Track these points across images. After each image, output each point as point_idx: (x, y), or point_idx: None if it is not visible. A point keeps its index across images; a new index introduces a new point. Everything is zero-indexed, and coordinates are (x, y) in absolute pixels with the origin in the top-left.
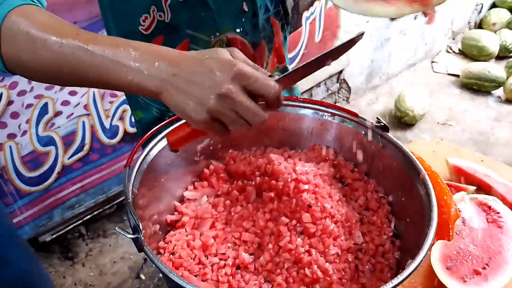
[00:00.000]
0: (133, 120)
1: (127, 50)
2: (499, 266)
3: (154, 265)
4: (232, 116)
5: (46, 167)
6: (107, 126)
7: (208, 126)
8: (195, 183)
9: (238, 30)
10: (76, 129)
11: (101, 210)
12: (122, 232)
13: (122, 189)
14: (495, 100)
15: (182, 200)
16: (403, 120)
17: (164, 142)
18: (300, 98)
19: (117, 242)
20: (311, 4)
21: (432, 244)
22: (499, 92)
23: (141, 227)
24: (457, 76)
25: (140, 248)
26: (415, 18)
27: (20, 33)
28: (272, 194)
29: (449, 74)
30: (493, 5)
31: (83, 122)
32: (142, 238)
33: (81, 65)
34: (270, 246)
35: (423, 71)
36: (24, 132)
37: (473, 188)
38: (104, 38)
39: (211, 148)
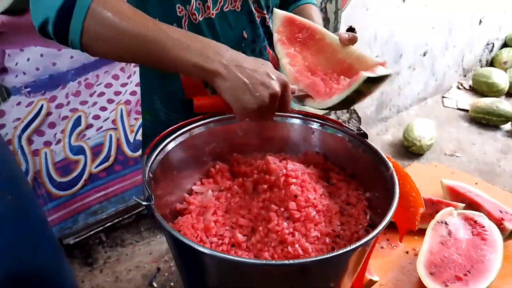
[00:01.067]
0: None
1: (196, 38)
2: (480, 273)
3: (165, 274)
4: (273, 110)
5: (75, 174)
6: (131, 140)
7: (252, 114)
8: (202, 179)
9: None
10: (104, 141)
11: (120, 219)
12: (138, 200)
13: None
14: (503, 134)
15: (190, 193)
16: (410, 150)
17: (175, 142)
18: (295, 110)
19: (134, 252)
20: None
21: (388, 222)
22: (508, 126)
23: (153, 197)
24: (467, 110)
25: (151, 214)
26: (424, 54)
27: (109, 7)
28: (265, 186)
29: (458, 109)
30: (504, 45)
31: (111, 135)
32: (153, 205)
33: (152, 41)
34: (261, 229)
35: (434, 105)
36: (59, 141)
37: (462, 205)
38: (176, 28)
39: (217, 150)
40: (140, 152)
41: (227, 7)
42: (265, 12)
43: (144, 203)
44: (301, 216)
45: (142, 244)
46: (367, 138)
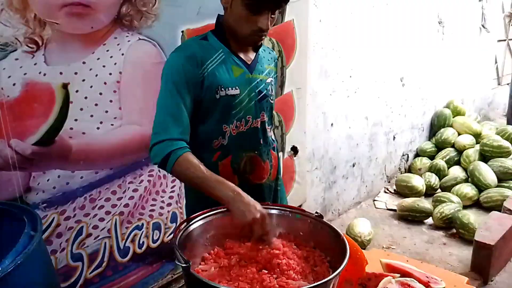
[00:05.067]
0: (141, 242)
1: (220, 184)
2: None
3: None
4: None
5: (72, 279)
6: (122, 247)
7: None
8: (205, 256)
9: (256, 152)
10: (99, 249)
11: None
12: (178, 263)
13: None
14: (427, 227)
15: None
16: None
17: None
18: (270, 203)
19: None
20: None
21: (342, 270)
22: (430, 220)
23: (189, 261)
24: (395, 210)
25: (188, 272)
26: (353, 166)
27: (182, 164)
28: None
29: (388, 209)
30: (417, 154)
31: (105, 243)
32: (190, 266)
33: (199, 184)
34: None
35: (367, 208)
36: (63, 249)
37: (397, 275)
38: (212, 175)
39: (215, 237)
40: (128, 257)
41: (251, 126)
42: (270, 128)
43: (184, 264)
44: (284, 275)
45: None
46: (323, 219)
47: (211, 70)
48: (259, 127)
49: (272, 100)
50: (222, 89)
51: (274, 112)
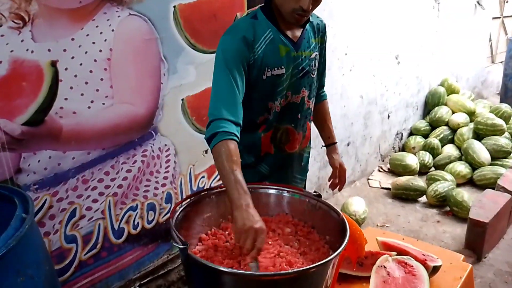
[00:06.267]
0: (135, 223)
1: (238, 188)
2: None
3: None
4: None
5: (67, 261)
6: (116, 228)
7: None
8: (202, 237)
9: (292, 125)
10: (93, 230)
11: None
12: (176, 245)
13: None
14: (421, 205)
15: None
16: None
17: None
18: (267, 183)
19: None
20: None
21: (342, 249)
22: (424, 199)
23: (188, 244)
24: (389, 189)
25: (186, 254)
26: (348, 145)
27: (222, 147)
28: None
29: (382, 188)
30: (411, 133)
31: (99, 224)
32: (188, 247)
33: (225, 174)
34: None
35: (362, 187)
36: (56, 231)
37: (394, 253)
38: (238, 176)
39: (212, 218)
40: (123, 239)
41: (291, 101)
42: (310, 101)
43: (181, 246)
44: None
45: None
46: (321, 197)
47: (260, 52)
48: (298, 102)
49: (313, 75)
50: (269, 69)
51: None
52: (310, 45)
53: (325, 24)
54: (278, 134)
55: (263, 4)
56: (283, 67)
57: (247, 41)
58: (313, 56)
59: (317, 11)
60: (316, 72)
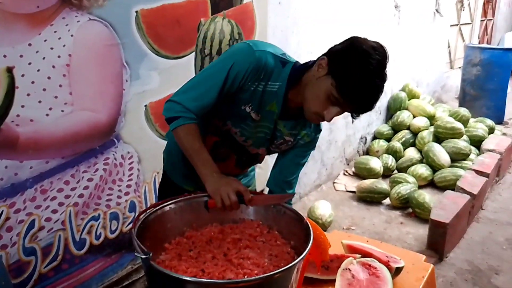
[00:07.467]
0: (98, 233)
1: (206, 162)
2: None
3: None
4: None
5: (26, 274)
6: (77, 239)
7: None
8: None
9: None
10: (54, 242)
11: None
12: (137, 255)
13: None
14: (385, 208)
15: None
16: None
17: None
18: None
19: None
20: None
21: (306, 254)
22: (388, 201)
23: (150, 254)
24: (354, 192)
25: (148, 264)
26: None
27: (184, 130)
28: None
29: (347, 191)
30: (374, 137)
31: (60, 236)
32: (151, 257)
33: (191, 155)
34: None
35: (328, 190)
36: (14, 243)
37: (359, 255)
38: (205, 153)
39: (176, 227)
40: (84, 250)
41: (248, 148)
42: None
43: (143, 256)
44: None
45: None
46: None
47: (258, 89)
48: (252, 152)
49: (277, 149)
50: (250, 107)
51: None
52: (293, 131)
53: (317, 138)
54: (220, 149)
55: (298, 64)
56: (259, 115)
57: (259, 70)
58: (287, 138)
59: (281, 16)
60: (280, 151)
